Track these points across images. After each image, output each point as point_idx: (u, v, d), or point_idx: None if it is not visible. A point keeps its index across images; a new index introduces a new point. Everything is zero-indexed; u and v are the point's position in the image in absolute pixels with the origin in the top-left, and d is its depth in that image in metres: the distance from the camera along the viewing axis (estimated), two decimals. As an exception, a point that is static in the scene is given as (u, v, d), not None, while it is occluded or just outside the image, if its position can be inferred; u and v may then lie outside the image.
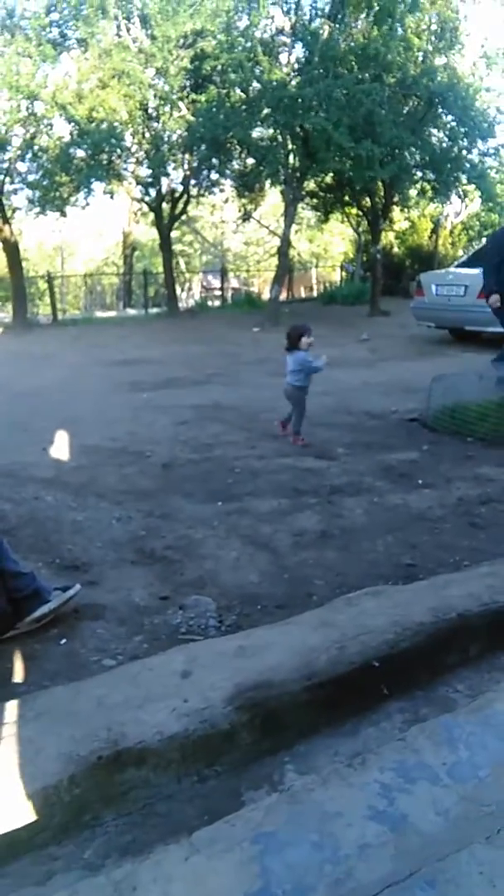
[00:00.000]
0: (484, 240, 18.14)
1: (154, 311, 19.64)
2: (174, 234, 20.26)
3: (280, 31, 13.46)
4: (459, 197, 16.50)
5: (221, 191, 17.24)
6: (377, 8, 12.15)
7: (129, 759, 1.74)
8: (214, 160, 14.57)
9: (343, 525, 3.59)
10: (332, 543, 3.37)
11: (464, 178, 14.05)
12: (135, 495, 4.04)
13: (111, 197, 15.81)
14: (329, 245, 30.05)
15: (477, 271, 9.98)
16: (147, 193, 16.59)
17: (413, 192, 14.91)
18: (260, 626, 2.47)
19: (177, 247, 24.91)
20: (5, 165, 14.03)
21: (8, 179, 14.43)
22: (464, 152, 13.45)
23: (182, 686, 1.98)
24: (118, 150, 14.25)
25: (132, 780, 1.74)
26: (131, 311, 20.70)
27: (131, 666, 2.17)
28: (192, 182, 16.42)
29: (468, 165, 13.66)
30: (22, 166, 14.39)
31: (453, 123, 13.15)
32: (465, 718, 1.95)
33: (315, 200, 17.21)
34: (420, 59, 13.01)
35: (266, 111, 12.64)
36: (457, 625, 2.47)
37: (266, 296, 18.25)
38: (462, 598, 2.61)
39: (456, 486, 4.18)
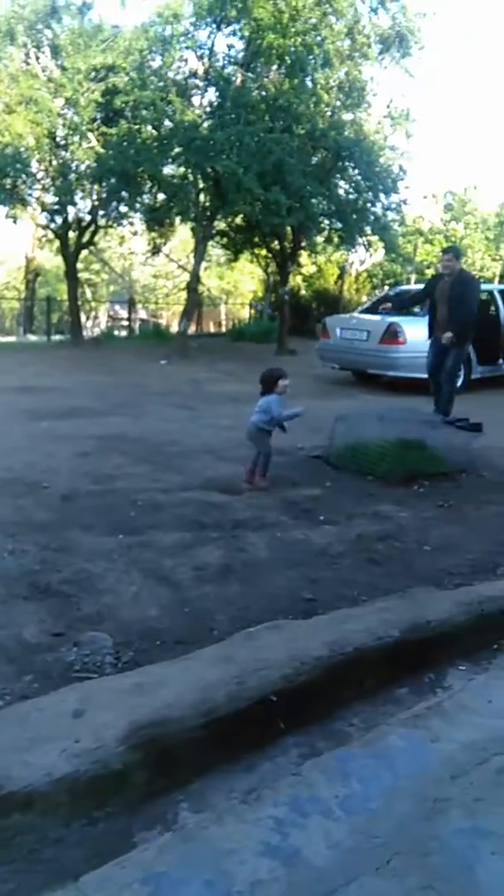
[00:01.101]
0: (386, 288, 19.03)
1: (57, 338, 19.25)
2: (81, 262, 20.04)
3: (193, 74, 13.78)
4: (364, 247, 17.27)
5: (131, 223, 17.26)
6: (289, 61, 12.68)
7: (15, 803, 1.66)
8: (124, 193, 14.58)
9: (245, 559, 3.60)
10: (234, 577, 3.36)
11: (368, 230, 14.69)
12: (30, 527, 3.90)
13: (14, 221, 15.52)
14: (239, 283, 30.58)
15: (379, 318, 10.44)
16: (53, 220, 16.39)
17: (320, 239, 15.44)
18: (158, 662, 2.42)
19: (83, 275, 24.59)
20: None
21: None
22: (368, 205, 14.09)
23: (74, 726, 1.91)
24: (23, 176, 14.03)
25: (17, 825, 1.65)
26: (32, 338, 20.20)
27: (20, 706, 2.08)
28: (101, 213, 16.36)
29: (372, 217, 14.30)
30: None
31: (359, 177, 13.76)
32: (358, 751, 1.98)
33: (225, 240, 17.53)
34: (329, 113, 13.62)
35: (177, 150, 12.84)
36: (353, 659, 2.51)
37: (174, 329, 18.31)
38: (359, 632, 2.67)
39: (356, 523, 4.28)
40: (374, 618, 2.83)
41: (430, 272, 21.64)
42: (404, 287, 15.33)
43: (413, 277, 21.10)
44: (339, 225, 14.27)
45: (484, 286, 13.21)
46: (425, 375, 9.71)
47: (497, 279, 19.67)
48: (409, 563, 3.70)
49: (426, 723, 2.14)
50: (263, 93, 13.05)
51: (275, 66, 13.28)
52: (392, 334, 9.77)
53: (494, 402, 9.12)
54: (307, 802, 1.74)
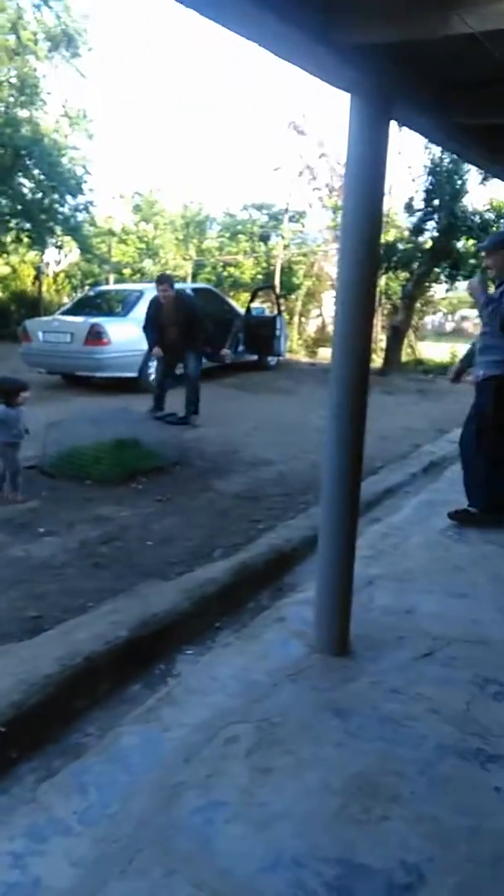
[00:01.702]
0: (87, 288, 18.88)
1: None
2: None
3: None
4: (57, 247, 16.89)
5: None
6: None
7: None
8: None
9: (-42, 589, 3.35)
10: None
11: (58, 230, 14.43)
12: None
13: None
14: None
15: (82, 319, 10.34)
16: None
17: (9, 239, 14.75)
18: None
19: None
20: None
21: None
22: (56, 205, 13.83)
23: None
24: None
25: None
26: None
27: None
28: None
29: (61, 218, 14.07)
30: None
31: (42, 177, 13.43)
32: (94, 760, 1.97)
33: None
34: (2, 109, 13.04)
35: None
36: (84, 668, 2.49)
37: None
38: (88, 640, 2.65)
39: (78, 530, 4.23)
40: (102, 622, 2.84)
41: (127, 272, 21.99)
42: (104, 287, 15.35)
43: (112, 277, 21.19)
44: (28, 225, 13.80)
45: (178, 285, 13.82)
46: (133, 374, 9.97)
47: (189, 278, 20.65)
48: (134, 560, 3.76)
49: (157, 714, 2.20)
50: None
51: None
52: (96, 335, 9.75)
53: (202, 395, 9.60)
54: (45, 827, 1.69)
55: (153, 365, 10.35)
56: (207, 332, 8.33)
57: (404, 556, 3.73)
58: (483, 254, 4.61)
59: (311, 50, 2.02)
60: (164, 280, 7.94)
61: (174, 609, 3.00)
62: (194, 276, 20.83)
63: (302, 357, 16.98)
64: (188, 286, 13.11)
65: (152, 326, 8.07)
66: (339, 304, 2.50)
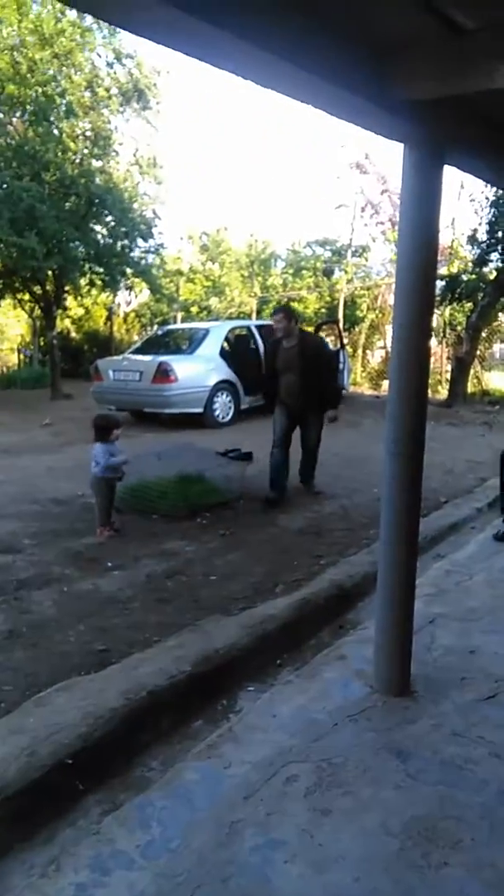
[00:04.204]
0: (156, 327, 19.45)
1: None
2: None
3: None
4: (128, 289, 17.46)
5: None
6: (32, 110, 12.60)
7: None
8: None
9: (32, 621, 3.48)
10: (20, 642, 3.24)
11: (129, 272, 14.95)
12: None
13: None
14: (5, 328, 29.28)
15: (150, 358, 10.67)
16: None
17: (84, 282, 15.39)
18: None
19: None
20: None
21: None
22: (127, 250, 14.35)
23: None
24: None
25: None
26: None
27: None
28: None
29: (132, 261, 14.59)
30: None
31: (114, 223, 13.98)
32: (157, 794, 2.02)
33: (-17, 285, 16.73)
34: (77, 161, 13.72)
35: None
36: (147, 703, 2.56)
37: None
38: (152, 674, 2.72)
39: (143, 564, 4.33)
40: (165, 657, 2.90)
41: (195, 310, 22.51)
42: (171, 326, 15.80)
43: (179, 315, 21.75)
44: (101, 269, 14.36)
45: (242, 322, 14.10)
46: (199, 410, 10.17)
47: (254, 314, 20.96)
48: (197, 595, 3.82)
49: (219, 751, 2.24)
50: (10, 141, 12.81)
51: (18, 115, 13.11)
52: (163, 373, 10.03)
53: (261, 429, 9.70)
54: (109, 859, 1.74)
55: (218, 401, 10.57)
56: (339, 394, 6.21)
57: (468, 594, 3.67)
58: None
59: (365, 108, 2.10)
60: (279, 310, 6.17)
61: (236, 645, 3.04)
62: (259, 313, 21.15)
63: (366, 389, 16.94)
64: (253, 323, 13.33)
65: (270, 374, 6.14)
66: (394, 344, 2.53)
